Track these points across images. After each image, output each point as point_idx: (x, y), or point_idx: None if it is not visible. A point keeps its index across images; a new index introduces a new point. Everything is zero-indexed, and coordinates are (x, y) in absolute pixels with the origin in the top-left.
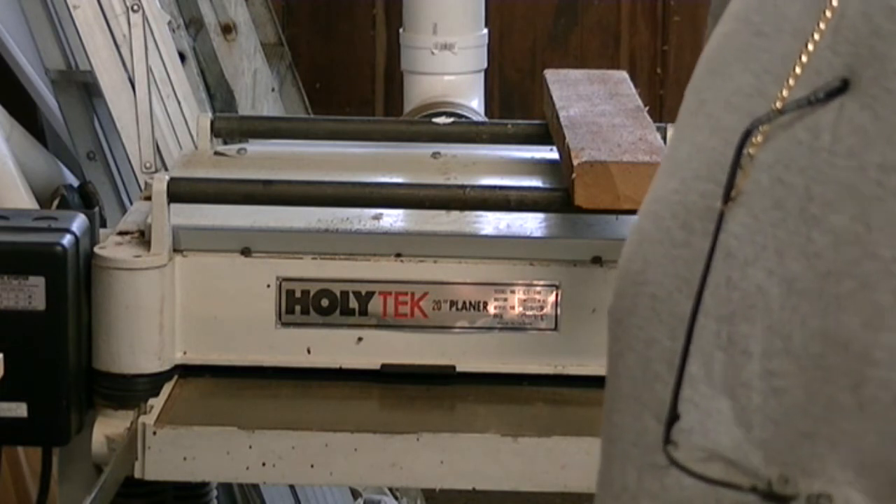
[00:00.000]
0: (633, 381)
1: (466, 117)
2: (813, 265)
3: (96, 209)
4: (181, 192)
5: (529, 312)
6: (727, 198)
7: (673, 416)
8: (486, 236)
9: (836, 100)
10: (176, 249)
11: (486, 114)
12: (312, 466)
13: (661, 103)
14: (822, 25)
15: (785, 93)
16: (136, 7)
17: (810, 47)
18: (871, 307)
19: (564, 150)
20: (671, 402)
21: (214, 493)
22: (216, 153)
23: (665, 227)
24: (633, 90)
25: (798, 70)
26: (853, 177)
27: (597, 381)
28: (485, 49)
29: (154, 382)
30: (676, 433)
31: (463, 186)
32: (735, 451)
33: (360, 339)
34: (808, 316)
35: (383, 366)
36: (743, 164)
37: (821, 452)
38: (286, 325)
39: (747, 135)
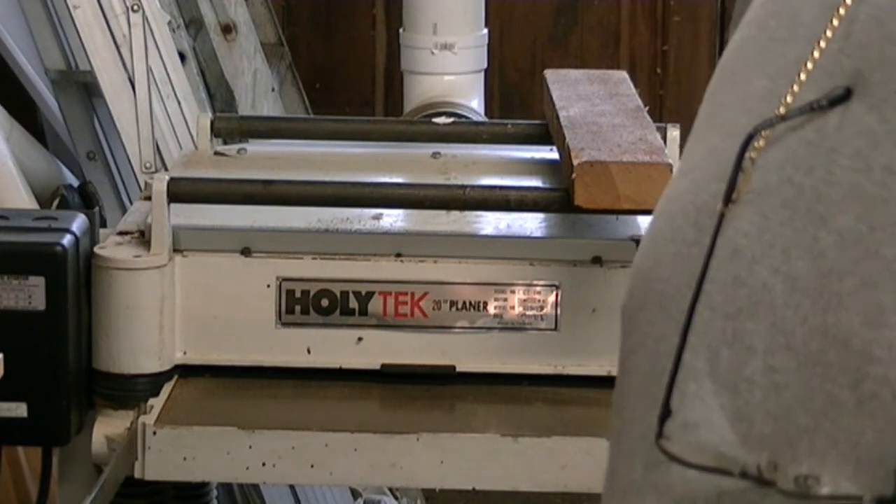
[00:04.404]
0: (643, 377)
1: (466, 117)
2: (816, 264)
3: (96, 209)
4: (181, 192)
5: (529, 312)
6: (727, 200)
7: (665, 412)
8: (486, 236)
9: (840, 106)
10: (176, 249)
11: (486, 114)
12: (312, 466)
13: (661, 103)
14: (829, 33)
15: (790, 98)
16: (136, 7)
17: (816, 54)
18: (872, 305)
19: (564, 150)
20: (664, 397)
21: (214, 493)
22: (216, 153)
23: (677, 225)
24: (633, 90)
25: (803, 76)
26: (859, 178)
27: (596, 381)
28: (485, 49)
29: (154, 382)
30: (677, 428)
31: (463, 186)
32: (735, 447)
33: (360, 339)
34: (810, 313)
35: (383, 366)
36: (744, 168)
37: (819, 448)
38: (286, 325)
39: (749, 139)
